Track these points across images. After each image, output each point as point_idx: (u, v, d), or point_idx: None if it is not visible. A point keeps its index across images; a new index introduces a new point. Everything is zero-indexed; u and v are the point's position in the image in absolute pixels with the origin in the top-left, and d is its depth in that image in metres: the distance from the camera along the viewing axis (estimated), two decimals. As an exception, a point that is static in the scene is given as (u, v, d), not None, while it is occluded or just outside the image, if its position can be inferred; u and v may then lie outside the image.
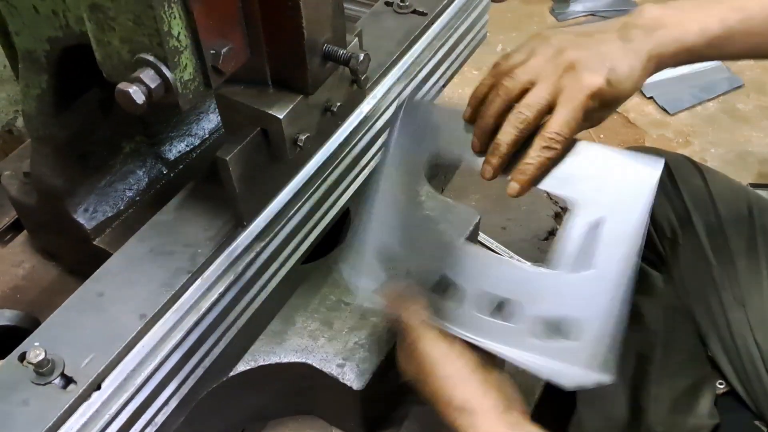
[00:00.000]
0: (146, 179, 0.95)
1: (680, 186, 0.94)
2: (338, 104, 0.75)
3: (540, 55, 0.68)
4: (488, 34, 1.94)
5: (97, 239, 0.90)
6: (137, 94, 0.58)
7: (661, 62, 0.68)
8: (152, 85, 0.59)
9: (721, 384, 0.94)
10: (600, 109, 0.68)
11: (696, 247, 0.92)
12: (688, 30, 0.67)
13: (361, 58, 0.67)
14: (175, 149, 0.98)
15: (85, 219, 0.89)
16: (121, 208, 0.92)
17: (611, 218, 0.65)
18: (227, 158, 0.66)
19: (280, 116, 0.66)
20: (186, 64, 0.61)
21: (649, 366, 0.92)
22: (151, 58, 0.59)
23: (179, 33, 0.59)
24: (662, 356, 0.92)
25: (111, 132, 0.90)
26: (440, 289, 0.69)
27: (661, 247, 0.93)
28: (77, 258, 0.97)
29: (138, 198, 0.94)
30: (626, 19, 0.69)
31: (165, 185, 0.96)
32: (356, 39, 0.74)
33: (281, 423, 0.88)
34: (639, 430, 0.91)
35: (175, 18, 0.58)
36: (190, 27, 0.59)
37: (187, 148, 0.99)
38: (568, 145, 0.68)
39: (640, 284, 0.94)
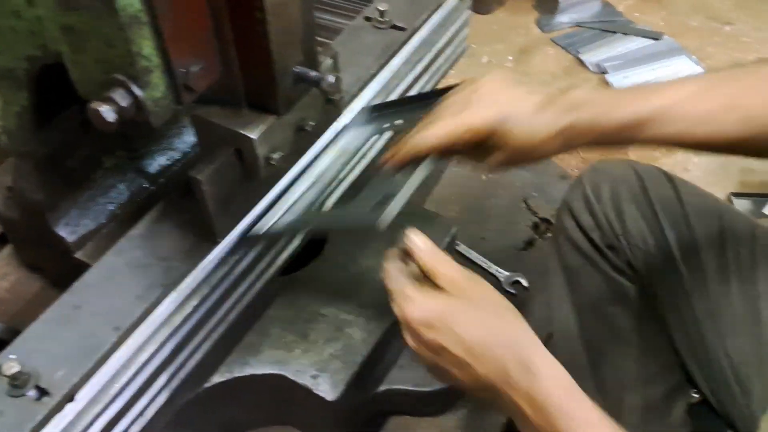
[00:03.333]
0: (127, 193, 0.96)
1: (652, 198, 0.96)
2: (312, 123, 0.76)
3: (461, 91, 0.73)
4: (474, 46, 1.97)
5: (78, 252, 0.92)
6: (108, 113, 0.60)
7: (569, 139, 0.69)
8: (123, 104, 0.61)
9: (695, 393, 0.96)
10: (490, 150, 0.71)
11: (668, 258, 0.93)
12: (605, 114, 0.68)
13: (332, 80, 0.69)
14: (156, 163, 0.99)
15: (66, 232, 0.91)
16: (103, 221, 0.93)
17: None
18: (201, 178, 0.68)
19: (253, 137, 0.68)
20: (157, 83, 0.62)
21: (623, 375, 0.93)
22: (122, 78, 0.61)
23: (150, 53, 0.60)
24: (636, 366, 0.93)
25: (92, 147, 0.91)
26: None
27: (634, 258, 0.95)
28: (60, 271, 0.98)
29: (119, 212, 0.95)
30: (555, 92, 0.71)
31: (146, 199, 0.97)
32: (331, 60, 0.75)
33: (258, 433, 0.89)
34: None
35: (145, 39, 0.59)
36: (161, 47, 0.61)
37: (168, 162, 1.00)
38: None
39: (614, 295, 0.96)
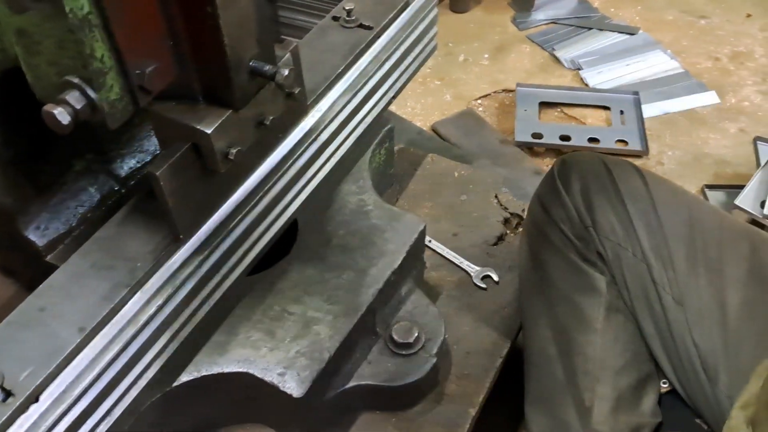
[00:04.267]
0: (98, 196, 0.96)
1: (622, 190, 0.97)
2: (272, 118, 0.76)
3: None
4: (451, 44, 1.98)
5: (49, 256, 0.92)
6: (62, 115, 0.60)
7: None
8: (78, 107, 0.61)
9: (664, 383, 0.97)
10: None
11: (637, 250, 0.94)
12: None
13: (286, 73, 0.69)
14: (126, 165, 1.00)
15: (36, 236, 0.91)
16: (73, 224, 0.94)
17: None
18: (157, 173, 0.68)
19: (209, 131, 0.68)
20: (112, 85, 0.63)
21: (593, 366, 0.94)
22: (76, 80, 0.61)
23: (102, 55, 0.61)
24: (606, 356, 0.94)
25: (61, 150, 0.91)
26: None
27: (604, 249, 0.95)
28: (32, 275, 0.98)
29: (90, 215, 0.95)
30: None
31: (117, 201, 0.97)
32: (289, 54, 0.76)
33: (227, 431, 0.90)
34: (586, 430, 0.93)
35: (97, 41, 0.60)
36: (114, 49, 0.61)
37: (139, 164, 1.01)
38: None
39: (583, 286, 0.97)
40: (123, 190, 0.99)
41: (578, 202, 0.97)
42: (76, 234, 0.94)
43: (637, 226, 0.94)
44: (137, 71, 0.63)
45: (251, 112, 0.74)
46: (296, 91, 0.78)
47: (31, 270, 0.97)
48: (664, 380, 0.96)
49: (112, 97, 0.63)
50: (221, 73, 0.67)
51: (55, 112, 0.60)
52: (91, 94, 0.61)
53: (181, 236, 0.77)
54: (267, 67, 0.69)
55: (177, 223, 0.75)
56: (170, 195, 0.71)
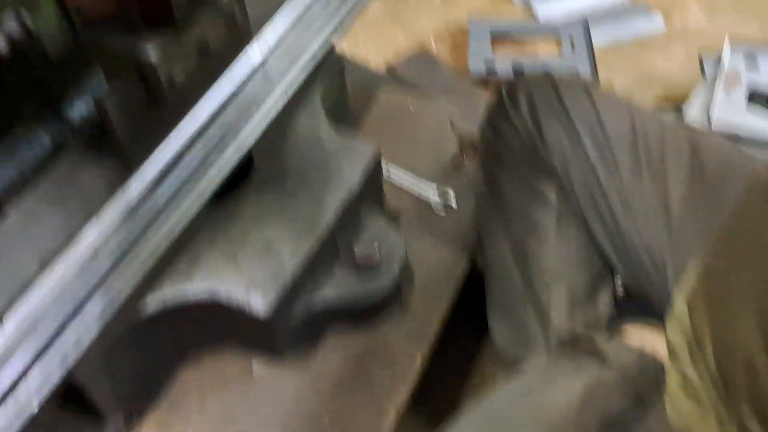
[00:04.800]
0: (50, 143, 0.96)
1: (567, 105, 0.99)
2: (215, 44, 0.77)
3: None
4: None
5: (6, 205, 0.92)
6: (-2, 41, 0.60)
7: None
8: (13, 33, 0.61)
9: (618, 286, 1.01)
10: None
11: (584, 159, 0.97)
12: None
13: (228, -6, 0.70)
14: (78, 111, 0.99)
15: (-12, 184, 0.91)
16: (26, 171, 0.94)
17: None
18: (102, 99, 0.69)
19: (152, 55, 0.69)
20: (48, 11, 0.63)
21: (549, 272, 0.98)
22: (11, 7, 0.62)
23: (34, -24, 0.61)
24: (560, 262, 0.98)
25: (8, 97, 0.91)
26: None
27: (553, 162, 0.98)
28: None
29: (43, 161, 0.95)
30: None
31: (67, 157, 0.97)
32: (227, -23, 0.76)
33: (199, 358, 0.92)
34: (547, 332, 0.98)
35: (27, -38, 0.60)
36: (45, -30, 0.62)
37: (89, 111, 1.00)
38: None
39: (535, 198, 1.00)
40: (75, 136, 0.99)
41: (527, 119, 1.00)
42: (31, 182, 0.94)
43: (583, 137, 0.97)
44: (72, -6, 0.64)
45: (193, 35, 0.74)
46: (236, 13, 0.78)
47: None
48: (619, 281, 1.01)
49: (49, 23, 0.64)
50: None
51: (-10, 37, 0.60)
52: (26, 19, 0.62)
53: (133, 166, 0.78)
54: (201, -15, 0.70)
55: (127, 152, 0.76)
56: (118, 123, 0.72)
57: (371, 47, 1.79)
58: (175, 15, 0.69)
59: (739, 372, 0.63)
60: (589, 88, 1.02)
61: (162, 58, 0.70)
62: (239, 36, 0.85)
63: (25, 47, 0.62)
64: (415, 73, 1.67)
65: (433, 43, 1.84)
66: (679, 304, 0.80)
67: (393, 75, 1.67)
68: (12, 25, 0.61)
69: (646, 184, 0.95)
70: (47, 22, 0.63)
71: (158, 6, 0.68)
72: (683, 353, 0.75)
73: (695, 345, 0.72)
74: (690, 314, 0.76)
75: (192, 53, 0.75)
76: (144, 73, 0.71)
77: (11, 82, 0.90)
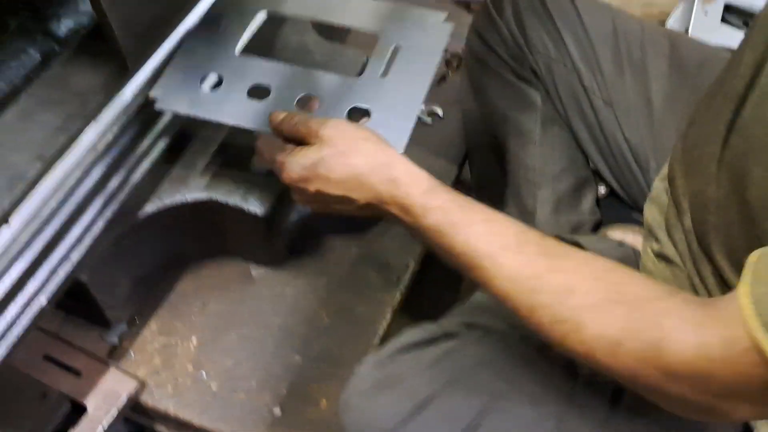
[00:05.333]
0: (38, 56, 0.96)
1: (550, 8, 1.00)
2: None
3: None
4: None
5: (-1, 112, 0.92)
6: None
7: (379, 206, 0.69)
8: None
9: (601, 187, 1.05)
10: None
11: (568, 61, 0.99)
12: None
13: None
14: (64, 26, 0.98)
15: (-23, 94, 0.91)
16: (18, 84, 0.94)
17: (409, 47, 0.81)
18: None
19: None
20: None
21: (533, 174, 1.01)
22: None
23: None
24: (544, 164, 1.01)
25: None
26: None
27: (537, 65, 1.00)
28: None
29: (32, 75, 0.95)
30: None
31: (59, 62, 0.97)
32: None
33: (198, 265, 0.95)
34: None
35: None
36: None
37: (76, 26, 1.00)
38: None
39: (520, 102, 1.02)
40: (63, 50, 0.99)
41: (511, 24, 1.01)
42: (21, 93, 0.95)
43: (566, 39, 0.99)
44: None
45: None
46: None
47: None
48: (602, 185, 1.04)
49: None
50: None
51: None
52: None
53: (129, 67, 0.78)
54: None
55: (125, 51, 0.76)
56: (115, 22, 0.72)
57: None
58: None
59: (712, 223, 0.67)
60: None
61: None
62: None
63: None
64: (396, -5, 1.67)
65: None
66: (657, 185, 0.83)
67: (375, -1, 1.68)
68: None
69: (627, 82, 0.97)
70: None
71: None
72: (659, 228, 0.78)
73: (673, 212, 0.75)
74: (670, 184, 0.78)
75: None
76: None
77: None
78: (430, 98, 1.17)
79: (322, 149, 0.70)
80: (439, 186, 0.68)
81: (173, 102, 0.78)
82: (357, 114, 0.77)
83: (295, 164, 0.71)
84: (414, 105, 0.76)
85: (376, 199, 0.69)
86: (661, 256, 0.78)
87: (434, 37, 0.82)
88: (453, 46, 1.26)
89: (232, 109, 0.77)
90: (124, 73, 0.79)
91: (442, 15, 0.84)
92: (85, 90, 0.78)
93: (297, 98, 0.78)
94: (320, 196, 0.71)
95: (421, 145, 1.12)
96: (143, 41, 0.79)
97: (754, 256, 0.49)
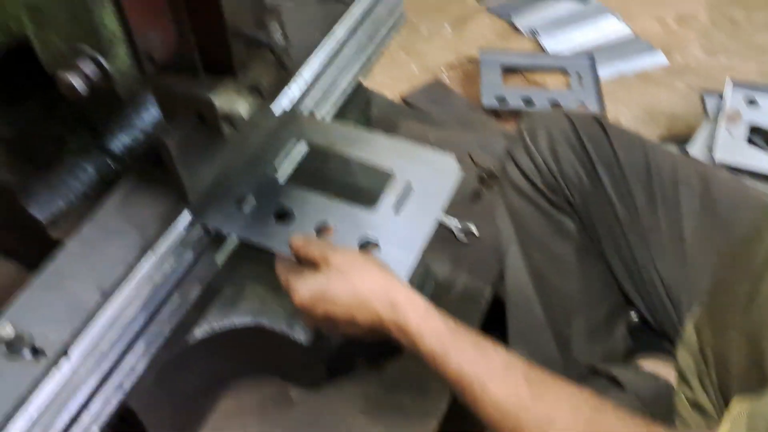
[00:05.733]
0: (94, 172, 1.00)
1: (584, 139, 1.04)
2: (266, 85, 0.82)
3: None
4: (413, 19, 2.04)
5: (52, 231, 0.96)
6: (78, 82, 0.64)
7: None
8: (90, 74, 0.65)
9: (633, 315, 1.06)
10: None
11: (602, 194, 1.02)
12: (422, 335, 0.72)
13: (281, 42, 0.75)
14: (121, 143, 1.03)
15: (39, 212, 0.94)
16: (73, 200, 0.97)
17: (420, 185, 0.88)
18: (167, 141, 0.73)
19: (212, 99, 0.74)
20: (121, 54, 0.67)
21: (568, 302, 1.02)
22: (88, 50, 0.66)
23: (112, 26, 0.65)
24: (579, 292, 1.02)
25: (57, 128, 0.95)
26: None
27: (572, 196, 1.03)
28: (34, 253, 1.01)
29: (88, 190, 0.99)
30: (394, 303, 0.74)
31: (114, 178, 1.01)
32: (277, 24, 0.81)
33: (240, 383, 0.95)
34: (567, 361, 1.02)
35: (107, 14, 0.64)
36: (122, 20, 0.66)
37: (131, 141, 1.04)
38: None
39: (555, 231, 1.05)
40: (118, 167, 1.03)
41: (545, 154, 1.05)
42: (76, 210, 0.98)
43: (601, 173, 1.02)
44: (143, 40, 0.68)
45: (248, 80, 0.79)
46: (287, 59, 0.83)
47: (31, 249, 1.01)
48: (633, 312, 1.06)
49: (121, 67, 0.68)
50: (221, 42, 0.72)
51: (72, 79, 0.64)
52: (103, 62, 0.66)
53: (190, 200, 0.82)
54: (262, 36, 0.75)
55: (186, 187, 0.80)
56: (178, 161, 0.76)
57: (386, 77, 1.85)
58: (235, 64, 0.73)
59: (735, 388, 0.68)
60: (604, 125, 1.08)
61: (221, 101, 0.75)
62: (284, 77, 0.90)
63: (99, 88, 0.66)
64: (429, 102, 1.73)
65: (445, 73, 1.90)
66: (689, 329, 0.85)
67: (408, 104, 1.73)
68: (90, 67, 0.65)
69: (660, 218, 1.00)
70: (121, 67, 0.67)
71: (221, 59, 0.73)
72: (691, 374, 0.79)
73: (702, 361, 0.76)
74: (697, 333, 0.80)
75: (246, 95, 0.79)
76: (203, 115, 0.75)
77: (62, 113, 0.94)
78: (464, 215, 1.20)
79: (330, 275, 0.76)
80: (434, 312, 0.73)
81: (208, 216, 0.83)
82: (367, 244, 0.82)
83: (305, 287, 0.76)
84: (418, 242, 0.82)
85: (379, 322, 0.74)
86: (696, 406, 0.79)
87: (444, 179, 0.89)
88: (485, 160, 1.31)
89: (259, 230, 0.83)
90: (182, 203, 0.82)
91: (452, 159, 0.91)
92: (145, 220, 0.81)
93: (316, 224, 0.83)
94: (328, 319, 0.76)
95: (456, 265, 1.15)
96: (201, 179, 0.83)
97: (734, 409, 0.51)
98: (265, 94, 0.82)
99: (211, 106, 0.74)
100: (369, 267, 0.76)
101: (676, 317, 0.97)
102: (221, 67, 0.75)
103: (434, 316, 0.73)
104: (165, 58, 0.71)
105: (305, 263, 0.79)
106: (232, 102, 0.77)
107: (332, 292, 0.75)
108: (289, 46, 0.79)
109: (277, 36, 0.75)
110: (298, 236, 0.80)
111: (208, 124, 0.76)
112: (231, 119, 0.77)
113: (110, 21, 0.65)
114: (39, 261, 0.98)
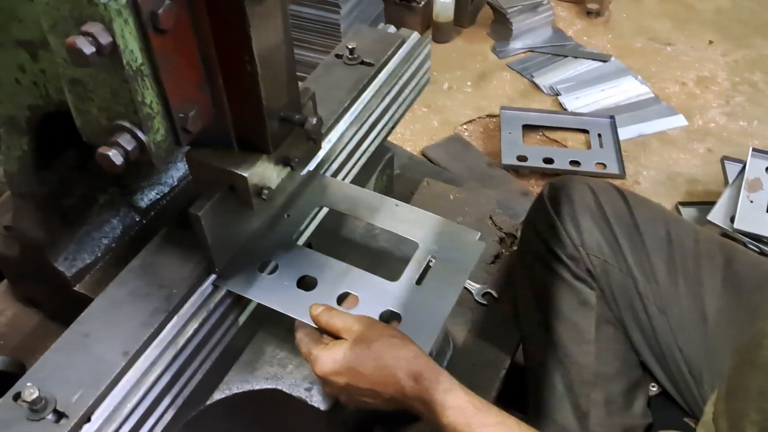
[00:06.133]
0: (120, 227, 1.02)
1: (606, 210, 1.05)
2: (297, 159, 0.83)
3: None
4: (435, 73, 2.08)
5: (77, 285, 0.97)
6: (116, 157, 0.66)
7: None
8: (129, 148, 0.67)
9: (653, 386, 1.05)
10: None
11: (623, 266, 1.02)
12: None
13: (314, 121, 0.77)
14: (147, 198, 1.05)
15: (65, 267, 0.96)
16: (98, 255, 0.99)
17: (443, 258, 0.88)
18: (200, 214, 0.75)
19: (246, 174, 0.75)
20: (158, 128, 0.69)
21: (587, 373, 1.01)
22: (126, 124, 0.67)
23: (151, 101, 0.67)
24: (598, 364, 1.02)
25: (87, 186, 0.97)
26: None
27: (593, 267, 1.04)
28: (58, 304, 1.03)
29: (114, 245, 1.00)
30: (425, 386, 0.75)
31: (138, 232, 1.03)
32: (310, 102, 0.83)
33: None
34: (585, 434, 1.01)
35: (147, 89, 0.66)
36: (161, 95, 0.67)
37: (158, 196, 1.06)
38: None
39: (575, 300, 1.05)
40: (144, 221, 1.05)
41: (567, 224, 1.05)
42: (101, 264, 1.00)
43: (622, 244, 1.03)
44: (180, 114, 0.70)
45: (280, 155, 0.80)
46: (317, 136, 0.85)
47: (57, 300, 1.02)
48: (653, 384, 1.05)
49: (158, 139, 0.69)
50: (257, 121, 0.74)
51: (110, 153, 0.66)
52: (141, 136, 0.68)
53: (217, 268, 0.83)
54: (297, 116, 0.77)
55: (214, 257, 0.81)
56: (209, 232, 0.78)
57: (407, 131, 1.87)
58: (269, 142, 0.75)
59: None
60: (626, 195, 1.08)
61: (253, 176, 0.76)
62: (314, 150, 0.91)
63: (136, 159, 0.68)
64: (449, 156, 1.75)
65: (465, 128, 1.92)
66: (708, 410, 0.84)
67: (428, 158, 1.75)
68: (128, 143, 0.67)
69: (682, 293, 1.00)
70: (158, 139, 0.69)
71: (256, 137, 0.74)
72: None
73: None
74: (714, 421, 0.79)
75: (278, 170, 0.81)
76: (235, 188, 0.77)
77: (93, 171, 0.96)
78: (483, 278, 1.21)
79: (353, 346, 0.76)
80: (458, 386, 0.74)
81: (230, 282, 0.84)
82: (390, 315, 0.83)
83: (328, 359, 0.77)
84: (441, 316, 0.83)
85: (401, 394, 0.75)
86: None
87: (467, 253, 0.89)
88: (505, 221, 1.31)
89: (281, 296, 0.83)
90: (206, 268, 0.83)
91: (476, 234, 0.91)
92: (170, 283, 0.82)
93: (338, 294, 0.83)
94: (349, 389, 0.77)
95: (476, 327, 1.14)
96: (228, 248, 0.84)
97: None
98: (295, 166, 0.84)
99: (244, 181, 0.75)
100: (392, 340, 0.77)
101: (698, 392, 0.96)
102: (256, 144, 0.76)
103: (458, 392, 0.74)
104: (200, 130, 0.73)
105: (326, 332, 0.80)
106: (264, 177, 0.79)
107: (355, 362, 0.75)
108: (321, 125, 0.80)
109: (309, 114, 0.76)
110: (319, 306, 0.81)
111: (239, 196, 0.77)
112: (261, 192, 0.79)
113: (150, 97, 0.66)
114: (62, 312, 1.00)
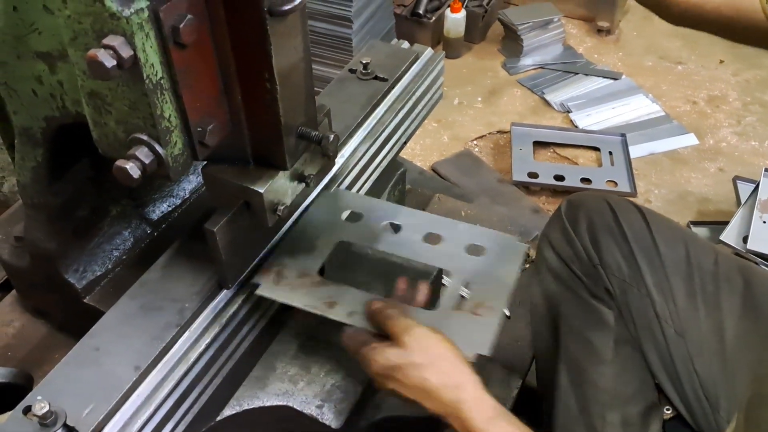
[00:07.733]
0: (131, 239, 1.02)
1: (625, 229, 1.03)
2: (312, 175, 0.83)
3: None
4: (445, 88, 2.07)
5: (87, 297, 0.96)
6: (134, 170, 0.65)
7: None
8: (146, 161, 0.66)
9: (668, 409, 1.03)
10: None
11: (641, 286, 1.01)
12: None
13: (331, 138, 0.76)
14: (158, 210, 1.05)
15: (75, 279, 0.95)
16: (109, 267, 0.98)
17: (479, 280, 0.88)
18: (215, 230, 0.74)
19: (262, 191, 0.74)
20: (176, 141, 0.68)
21: (603, 394, 1.00)
22: (144, 137, 0.67)
23: (170, 115, 0.66)
24: (614, 385, 1.00)
25: (99, 197, 0.97)
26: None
27: (611, 286, 1.02)
28: (67, 315, 1.02)
29: (124, 257, 1.00)
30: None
31: (149, 244, 1.02)
32: (325, 119, 0.83)
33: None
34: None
35: (166, 102, 0.66)
36: (180, 109, 0.67)
37: (169, 209, 1.06)
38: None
39: (593, 320, 1.03)
40: (155, 233, 1.04)
41: (586, 241, 1.04)
42: (111, 276, 0.99)
43: (641, 264, 1.01)
44: (198, 128, 0.69)
45: (296, 171, 0.80)
46: (333, 153, 0.84)
47: (66, 311, 1.01)
48: (668, 407, 1.03)
49: (176, 152, 0.69)
50: (274, 137, 0.73)
51: (127, 166, 0.65)
52: (159, 149, 0.67)
53: (230, 285, 0.82)
54: (314, 133, 0.76)
55: (227, 272, 0.80)
56: (224, 248, 0.77)
57: (418, 146, 1.87)
58: (286, 159, 0.74)
59: None
60: (644, 213, 1.07)
61: (269, 193, 0.75)
62: (328, 165, 0.91)
63: (153, 172, 0.67)
64: (459, 172, 1.74)
65: (475, 144, 1.92)
66: None
67: (438, 174, 1.75)
68: (146, 156, 0.67)
69: (700, 316, 0.98)
70: (175, 153, 0.68)
71: (272, 153, 0.74)
72: None
73: None
74: None
75: (293, 186, 0.80)
76: (251, 204, 0.76)
77: (105, 183, 0.96)
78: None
79: (402, 357, 0.76)
80: (503, 415, 0.74)
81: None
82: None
83: (377, 362, 0.77)
84: (487, 339, 0.82)
85: (443, 414, 0.75)
86: None
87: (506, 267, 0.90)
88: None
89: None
90: (219, 284, 0.83)
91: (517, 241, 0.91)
92: (182, 297, 0.81)
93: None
94: (394, 394, 0.78)
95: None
96: (242, 264, 0.83)
97: None
98: (310, 183, 0.83)
99: (260, 197, 0.75)
100: (442, 356, 0.77)
101: (713, 417, 0.94)
102: (272, 160, 0.76)
103: (502, 421, 0.74)
104: (217, 144, 0.73)
105: (379, 329, 0.80)
106: (280, 193, 0.78)
107: (402, 374, 0.76)
108: (337, 142, 0.80)
109: (325, 131, 0.76)
110: (377, 300, 0.81)
111: (255, 212, 0.77)
112: (276, 208, 0.78)
113: (169, 111, 0.66)
114: (71, 323, 0.99)
